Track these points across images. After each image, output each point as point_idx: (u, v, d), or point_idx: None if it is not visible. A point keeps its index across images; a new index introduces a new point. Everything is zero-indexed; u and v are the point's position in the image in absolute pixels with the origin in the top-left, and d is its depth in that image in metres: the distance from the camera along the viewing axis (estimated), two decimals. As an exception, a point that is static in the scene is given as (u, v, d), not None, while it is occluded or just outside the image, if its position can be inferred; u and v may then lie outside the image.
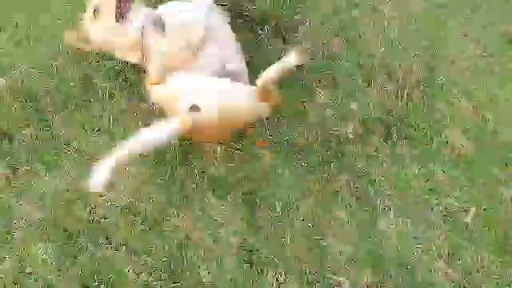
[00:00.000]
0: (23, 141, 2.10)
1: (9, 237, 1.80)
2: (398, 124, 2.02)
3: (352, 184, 1.87)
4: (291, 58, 1.72)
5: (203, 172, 1.94)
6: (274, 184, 1.89)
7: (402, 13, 2.50)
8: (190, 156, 1.98)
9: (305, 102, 2.15)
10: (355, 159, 1.94)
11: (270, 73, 1.76)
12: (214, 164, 1.96)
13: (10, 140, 2.11)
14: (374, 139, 1.99)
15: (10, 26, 2.32)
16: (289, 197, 1.85)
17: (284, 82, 2.20)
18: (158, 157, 1.99)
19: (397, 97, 2.06)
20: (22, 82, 2.26)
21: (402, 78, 2.05)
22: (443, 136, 2.02)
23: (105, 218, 1.83)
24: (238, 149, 2.00)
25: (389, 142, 1.98)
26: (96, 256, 1.72)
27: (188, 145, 2.01)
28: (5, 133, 2.13)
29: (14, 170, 2.01)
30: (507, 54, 2.30)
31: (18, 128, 2.14)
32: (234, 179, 1.91)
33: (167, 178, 1.92)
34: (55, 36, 2.23)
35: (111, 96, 2.10)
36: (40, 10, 2.37)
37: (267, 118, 2.05)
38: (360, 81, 2.16)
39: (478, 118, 2.08)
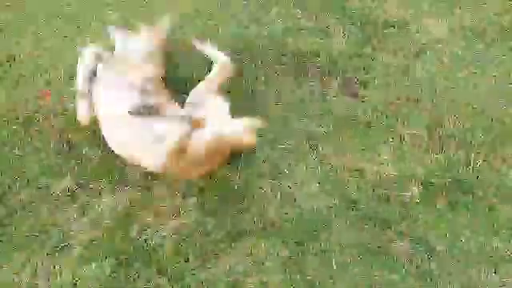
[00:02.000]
0: (93, 157, 2.19)
1: (67, 252, 1.85)
2: (464, 193, 1.96)
3: (411, 250, 1.82)
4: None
5: (259, 215, 1.94)
6: (329, 239, 1.86)
7: (475, 73, 2.46)
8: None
9: (366, 158, 2.14)
10: (416, 224, 1.89)
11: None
12: (269, 208, 1.96)
13: (79, 155, 2.21)
14: (437, 206, 1.94)
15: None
16: (343, 253, 1.82)
17: (346, 135, 2.22)
18: (221, 191, 2.02)
19: (465, 165, 2.01)
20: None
21: (472, 148, 2.00)
22: (510, 210, 1.94)
23: (160, 246, 1.86)
24: (295, 199, 2.00)
25: (452, 210, 1.93)
26: (148, 286, 1.74)
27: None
28: (75, 147, 2.23)
29: (80, 186, 2.09)
30: None
31: (89, 144, 2.24)
32: (289, 228, 1.90)
33: (224, 213, 1.94)
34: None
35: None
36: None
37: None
38: (427, 144, 2.13)
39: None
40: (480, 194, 1.97)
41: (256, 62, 2.49)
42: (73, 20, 2.68)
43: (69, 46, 2.58)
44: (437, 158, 2.05)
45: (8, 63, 2.75)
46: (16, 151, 2.21)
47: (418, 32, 2.71)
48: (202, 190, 2.02)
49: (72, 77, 2.46)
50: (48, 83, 2.50)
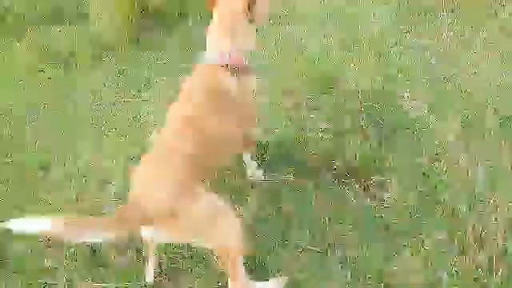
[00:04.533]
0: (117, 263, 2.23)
1: None
2: (492, 302, 1.90)
3: None
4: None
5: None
6: None
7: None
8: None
9: (388, 263, 2.11)
10: None
11: None
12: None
13: (103, 260, 2.24)
14: (465, 316, 1.88)
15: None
16: None
17: (367, 238, 2.21)
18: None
19: (488, 272, 1.98)
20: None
21: (495, 253, 1.97)
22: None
23: None
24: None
25: (481, 321, 1.86)
26: None
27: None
28: (98, 252, 2.28)
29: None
30: None
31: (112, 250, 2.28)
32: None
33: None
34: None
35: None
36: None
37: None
38: (449, 249, 2.10)
39: None
40: (508, 302, 1.91)
41: (271, 167, 2.56)
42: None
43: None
44: (460, 263, 2.01)
45: (41, 171, 2.91)
46: (44, 263, 2.27)
47: (435, 133, 2.75)
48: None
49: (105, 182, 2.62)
50: (79, 192, 2.62)
